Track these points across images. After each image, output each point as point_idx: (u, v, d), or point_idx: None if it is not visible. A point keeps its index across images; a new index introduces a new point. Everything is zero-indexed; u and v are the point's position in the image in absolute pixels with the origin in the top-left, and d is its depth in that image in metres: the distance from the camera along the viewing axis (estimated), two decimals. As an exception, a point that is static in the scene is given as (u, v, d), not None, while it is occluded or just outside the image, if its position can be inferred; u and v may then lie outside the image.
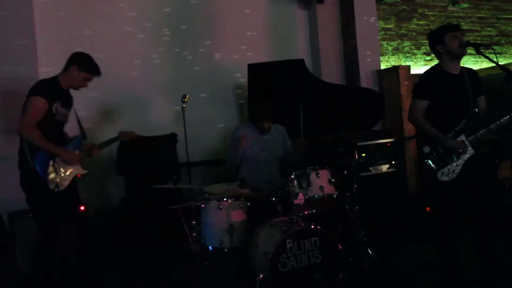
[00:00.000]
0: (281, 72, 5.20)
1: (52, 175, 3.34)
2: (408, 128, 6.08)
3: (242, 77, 5.36)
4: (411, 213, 4.99)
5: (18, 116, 3.37)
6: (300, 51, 6.39)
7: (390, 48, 7.28)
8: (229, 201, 3.56)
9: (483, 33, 8.11)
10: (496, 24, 8.25)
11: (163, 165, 5.05)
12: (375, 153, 5.00)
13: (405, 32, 7.42)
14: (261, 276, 3.23)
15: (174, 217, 3.72)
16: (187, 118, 4.54)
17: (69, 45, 4.79)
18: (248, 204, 3.63)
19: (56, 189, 3.34)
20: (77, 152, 3.57)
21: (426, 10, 7.57)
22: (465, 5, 7.52)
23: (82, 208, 4.37)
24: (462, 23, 3.60)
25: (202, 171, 5.51)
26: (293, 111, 5.00)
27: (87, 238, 3.63)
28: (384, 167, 5.00)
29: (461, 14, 7.83)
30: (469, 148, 3.42)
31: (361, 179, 4.47)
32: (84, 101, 5.11)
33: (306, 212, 3.60)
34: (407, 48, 7.42)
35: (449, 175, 3.41)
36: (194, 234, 3.62)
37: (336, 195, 3.70)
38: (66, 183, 3.42)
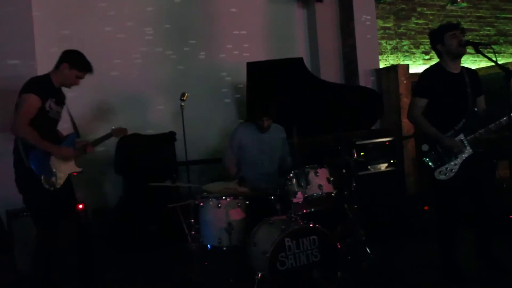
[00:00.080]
0: (280, 70, 5.20)
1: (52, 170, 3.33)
2: (407, 127, 6.09)
3: (241, 76, 5.36)
4: (410, 212, 5.00)
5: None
6: (299, 50, 6.38)
7: (389, 47, 7.28)
8: (228, 199, 3.56)
9: (482, 32, 8.12)
10: (495, 24, 8.26)
11: (161, 164, 5.04)
12: (374, 152, 5.01)
13: (404, 31, 7.42)
14: (259, 274, 3.24)
15: (173, 215, 3.72)
16: (186, 117, 4.54)
17: (68, 44, 4.75)
18: (247, 202, 3.63)
19: (51, 188, 3.33)
20: (71, 149, 3.55)
21: (425, 9, 7.57)
22: (464, 4, 7.52)
23: (80, 206, 4.39)
24: (461, 22, 3.60)
25: (200, 170, 5.51)
26: (292, 109, 4.99)
27: (84, 237, 3.62)
28: (383, 166, 5.00)
29: (460, 13, 7.83)
30: (468, 147, 3.42)
31: (360, 178, 4.48)
32: (82, 100, 5.15)
33: (304, 211, 3.60)
34: (406, 47, 7.42)
35: (447, 174, 3.41)
36: (193, 232, 3.63)
37: (334, 194, 3.71)
38: (61, 181, 3.41)
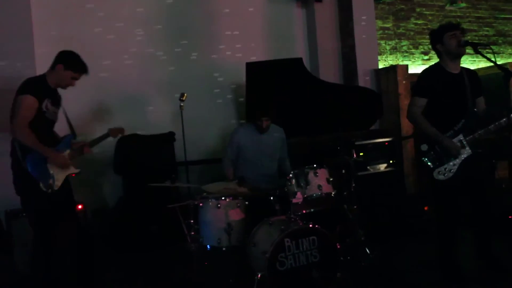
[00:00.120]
0: (279, 71, 5.20)
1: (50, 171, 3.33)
2: (406, 128, 6.09)
3: (240, 76, 5.36)
4: (409, 213, 5.00)
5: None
6: (298, 50, 6.38)
7: (388, 48, 7.28)
8: (227, 200, 3.57)
9: (481, 32, 8.13)
10: (494, 24, 8.26)
11: (161, 164, 5.04)
12: (373, 153, 5.01)
13: (403, 31, 7.42)
14: (259, 275, 3.24)
15: (172, 216, 3.72)
16: (185, 117, 4.54)
17: (69, 44, 4.75)
18: (246, 203, 3.63)
19: (49, 190, 3.33)
20: (68, 151, 3.54)
21: (424, 9, 7.58)
22: (463, 4, 7.53)
23: (79, 207, 4.39)
24: (460, 23, 3.60)
25: (200, 170, 5.51)
26: (291, 110, 5.00)
27: (84, 237, 3.62)
28: (382, 166, 5.00)
29: (459, 14, 7.84)
30: (467, 148, 3.43)
31: (359, 178, 4.48)
32: (82, 100, 5.15)
33: (304, 211, 3.60)
34: (405, 48, 7.43)
35: (445, 174, 3.42)
36: (192, 233, 3.63)
37: (334, 194, 3.71)
38: (59, 183, 3.40)
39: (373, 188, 4.80)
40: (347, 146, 4.38)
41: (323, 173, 3.71)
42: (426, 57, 7.54)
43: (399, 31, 7.38)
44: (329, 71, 6.38)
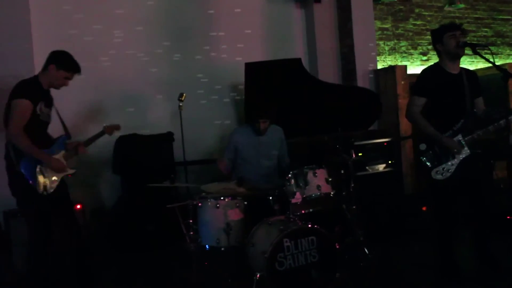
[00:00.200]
0: (278, 71, 5.20)
1: (40, 179, 3.31)
2: (405, 128, 6.10)
3: (239, 76, 5.36)
4: (408, 213, 5.01)
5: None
6: (297, 50, 6.38)
7: (386, 48, 7.29)
8: (226, 200, 3.57)
9: (479, 33, 8.14)
10: (492, 25, 8.28)
11: (159, 164, 5.04)
12: (372, 153, 5.02)
13: (402, 32, 7.43)
14: (258, 275, 3.24)
15: (171, 216, 3.71)
16: (184, 117, 4.53)
17: (67, 44, 4.75)
18: (245, 203, 3.63)
19: (45, 192, 3.32)
20: (62, 152, 3.53)
21: (422, 10, 7.58)
22: (462, 5, 7.54)
23: (78, 207, 4.39)
24: (461, 23, 3.61)
25: (198, 170, 5.50)
26: (290, 110, 5.00)
27: (79, 238, 3.62)
28: (381, 167, 5.01)
29: (457, 15, 7.85)
30: (465, 148, 3.43)
31: (358, 178, 4.48)
32: (82, 100, 5.15)
33: (303, 211, 3.61)
34: (403, 48, 7.43)
35: (443, 174, 3.43)
36: (191, 233, 3.62)
37: (333, 194, 3.71)
38: (54, 185, 3.40)
39: (372, 188, 4.80)
40: (346, 146, 4.38)
41: (322, 173, 3.71)
42: (424, 58, 7.55)
43: (398, 31, 7.39)
44: (328, 72, 6.38)
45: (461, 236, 3.66)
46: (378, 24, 7.14)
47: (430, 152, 3.47)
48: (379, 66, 6.80)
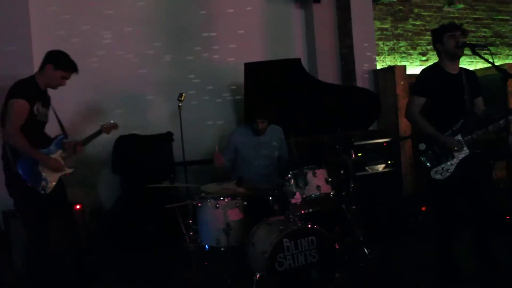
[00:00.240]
0: (277, 71, 5.21)
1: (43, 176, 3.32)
2: (404, 128, 6.10)
3: (239, 76, 5.36)
4: (407, 213, 5.01)
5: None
6: (296, 50, 6.38)
7: (386, 48, 7.29)
8: (226, 200, 3.57)
9: (478, 34, 8.15)
10: (491, 25, 8.29)
11: (159, 164, 5.04)
12: (371, 153, 5.02)
13: (401, 32, 7.43)
14: (258, 275, 3.23)
15: (171, 216, 3.71)
16: (183, 117, 4.53)
17: (67, 44, 4.76)
18: (245, 203, 3.63)
19: (43, 192, 3.31)
20: (60, 152, 3.53)
21: (422, 10, 7.59)
22: (461, 6, 7.55)
23: (78, 207, 4.39)
24: (461, 24, 3.62)
25: (198, 170, 5.50)
26: (290, 110, 5.00)
27: (76, 237, 3.61)
28: (380, 167, 5.02)
29: (456, 15, 7.86)
30: (465, 148, 3.44)
31: (357, 178, 4.48)
32: (81, 100, 5.15)
33: (303, 211, 3.61)
34: (403, 48, 7.44)
35: (443, 174, 3.43)
36: (191, 233, 3.62)
37: (332, 194, 3.71)
38: (52, 184, 3.40)
39: (371, 188, 4.81)
40: (346, 146, 4.38)
41: (321, 173, 3.71)
42: (424, 58, 7.55)
43: (397, 32, 7.39)
44: (327, 72, 6.38)
45: (461, 236, 3.66)
46: (378, 24, 7.14)
47: (430, 152, 3.47)
48: (379, 66, 6.80)
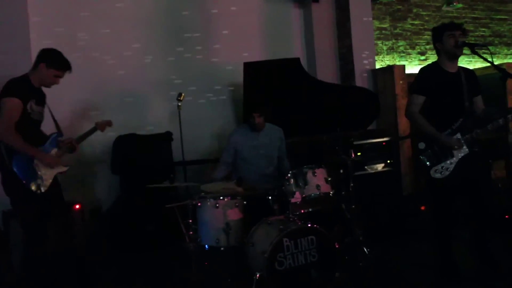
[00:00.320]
0: (277, 71, 5.21)
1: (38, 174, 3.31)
2: (403, 128, 6.11)
3: (238, 76, 5.36)
4: (407, 212, 5.02)
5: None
6: (295, 50, 6.39)
7: (385, 48, 7.30)
8: (225, 199, 3.56)
9: (477, 33, 8.16)
10: (490, 25, 8.30)
11: (158, 164, 5.04)
12: (370, 152, 5.02)
13: (400, 31, 7.44)
14: (258, 275, 3.23)
15: (171, 215, 3.71)
16: (183, 117, 4.53)
17: (67, 43, 4.75)
18: (245, 202, 3.63)
19: (38, 191, 3.31)
20: (55, 150, 3.52)
21: (420, 10, 7.60)
22: (460, 5, 7.56)
23: (77, 207, 4.38)
24: (462, 23, 3.63)
25: (197, 170, 5.50)
26: (289, 110, 5.00)
27: (70, 237, 3.61)
28: (379, 166, 5.01)
29: (455, 14, 7.87)
30: (464, 147, 3.44)
31: (357, 178, 4.48)
32: (81, 100, 5.14)
33: (302, 211, 3.61)
34: (401, 48, 7.45)
35: (442, 173, 3.43)
36: (191, 232, 3.62)
37: (332, 194, 3.71)
38: (48, 183, 3.39)
39: (371, 187, 4.81)
40: (345, 146, 4.38)
41: (321, 172, 3.71)
42: (423, 58, 7.56)
43: (396, 31, 7.40)
44: (326, 71, 6.39)
45: (461, 236, 3.66)
46: (376, 23, 7.15)
47: (429, 151, 3.47)
48: (377, 66, 6.81)
